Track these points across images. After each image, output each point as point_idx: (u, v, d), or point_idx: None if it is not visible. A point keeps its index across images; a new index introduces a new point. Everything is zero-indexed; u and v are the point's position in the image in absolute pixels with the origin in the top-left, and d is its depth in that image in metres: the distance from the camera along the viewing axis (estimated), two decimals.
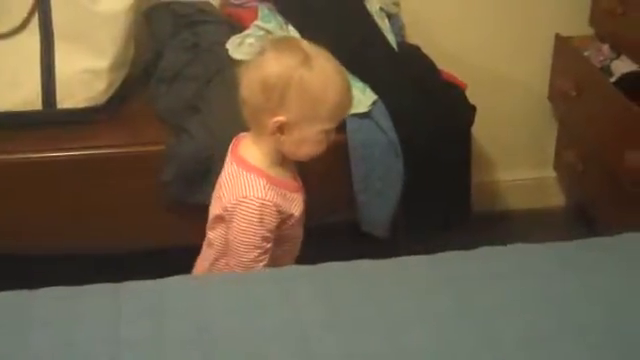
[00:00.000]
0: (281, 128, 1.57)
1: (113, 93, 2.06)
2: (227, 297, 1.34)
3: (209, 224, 1.71)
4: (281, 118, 1.56)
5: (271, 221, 1.60)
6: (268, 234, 1.61)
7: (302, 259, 1.74)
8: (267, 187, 1.59)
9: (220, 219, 1.66)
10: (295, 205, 1.66)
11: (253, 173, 1.60)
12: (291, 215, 1.64)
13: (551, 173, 2.71)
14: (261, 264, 1.62)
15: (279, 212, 1.61)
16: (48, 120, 1.99)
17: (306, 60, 1.55)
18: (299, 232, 1.74)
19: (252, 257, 1.60)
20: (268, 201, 1.58)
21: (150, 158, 1.96)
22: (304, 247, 1.78)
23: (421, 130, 1.97)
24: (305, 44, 1.60)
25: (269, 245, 1.62)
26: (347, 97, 1.60)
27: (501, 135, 2.62)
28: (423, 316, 1.30)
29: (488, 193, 2.64)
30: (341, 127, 1.97)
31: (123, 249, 2.02)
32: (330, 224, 2.06)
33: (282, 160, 1.64)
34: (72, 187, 1.96)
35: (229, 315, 1.29)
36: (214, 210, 1.68)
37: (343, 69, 1.61)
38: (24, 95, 1.98)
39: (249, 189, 1.59)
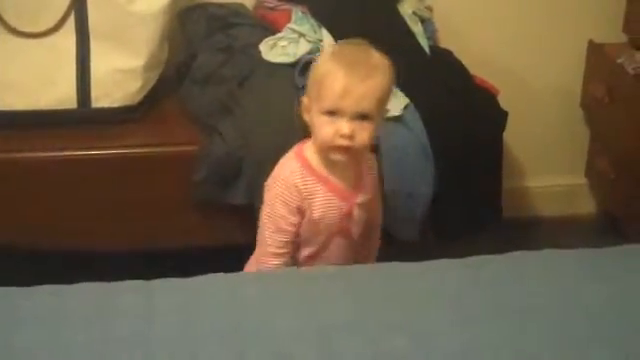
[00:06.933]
0: (307, 108, 1.63)
1: (147, 93, 2.08)
2: (257, 295, 1.35)
3: None
4: (305, 98, 1.65)
5: (292, 200, 1.62)
6: (289, 216, 1.62)
7: None
8: (298, 172, 1.62)
9: None
10: (323, 204, 1.64)
11: (296, 158, 1.64)
12: (310, 203, 1.64)
13: (582, 180, 2.69)
14: (279, 249, 1.63)
15: (300, 195, 1.62)
16: (83, 119, 2.01)
17: (333, 53, 1.65)
18: (321, 238, 1.69)
19: (268, 233, 1.63)
20: (290, 180, 1.61)
21: (182, 158, 1.97)
22: None
23: (453, 134, 1.97)
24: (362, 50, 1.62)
25: (289, 228, 1.63)
26: (339, 82, 1.55)
27: (532, 141, 2.61)
28: (452, 319, 1.30)
29: (518, 199, 2.63)
30: None
31: (153, 248, 2.04)
32: None
33: (336, 164, 1.63)
34: (105, 186, 1.97)
35: (259, 313, 1.30)
36: None
37: (357, 63, 1.58)
38: (59, 94, 2.00)
39: (281, 169, 1.64)
